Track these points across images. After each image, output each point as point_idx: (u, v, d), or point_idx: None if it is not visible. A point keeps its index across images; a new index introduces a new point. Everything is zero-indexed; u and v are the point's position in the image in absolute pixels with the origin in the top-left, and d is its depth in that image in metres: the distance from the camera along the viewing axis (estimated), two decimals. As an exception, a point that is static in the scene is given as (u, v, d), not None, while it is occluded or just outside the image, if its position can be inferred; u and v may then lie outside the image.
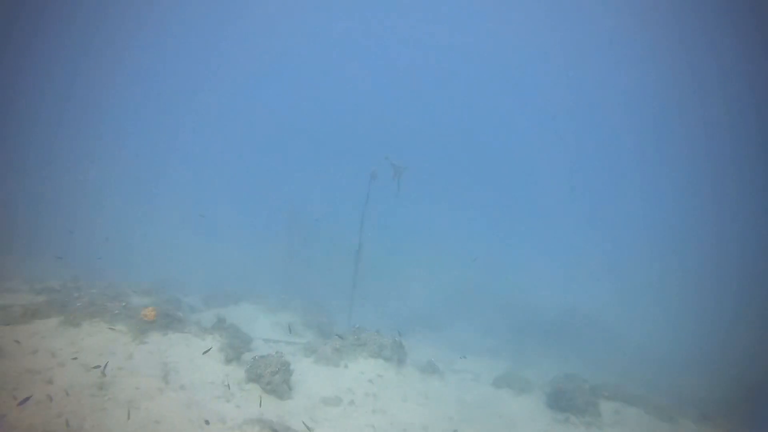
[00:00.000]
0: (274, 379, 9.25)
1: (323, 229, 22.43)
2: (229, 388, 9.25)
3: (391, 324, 17.05)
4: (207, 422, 7.71)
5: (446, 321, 20.80)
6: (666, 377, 16.31)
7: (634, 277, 33.66)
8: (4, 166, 31.42)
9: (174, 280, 19.68)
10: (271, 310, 16.19)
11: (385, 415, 9.52)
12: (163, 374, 9.04)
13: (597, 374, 15.77)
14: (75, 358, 8.76)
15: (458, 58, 59.72)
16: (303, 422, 8.47)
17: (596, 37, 48.56)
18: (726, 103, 38.15)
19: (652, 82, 46.66)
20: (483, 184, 55.81)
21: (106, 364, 8.14)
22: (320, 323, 14.95)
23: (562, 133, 61.33)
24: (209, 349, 9.55)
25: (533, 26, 52.52)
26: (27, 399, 6.73)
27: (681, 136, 47.14)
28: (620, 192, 55.86)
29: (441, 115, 60.92)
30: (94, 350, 9.19)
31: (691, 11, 34.51)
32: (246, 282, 20.27)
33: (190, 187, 41.69)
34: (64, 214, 27.88)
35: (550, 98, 59.65)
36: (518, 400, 12.02)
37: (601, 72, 52.39)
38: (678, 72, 41.59)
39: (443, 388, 11.88)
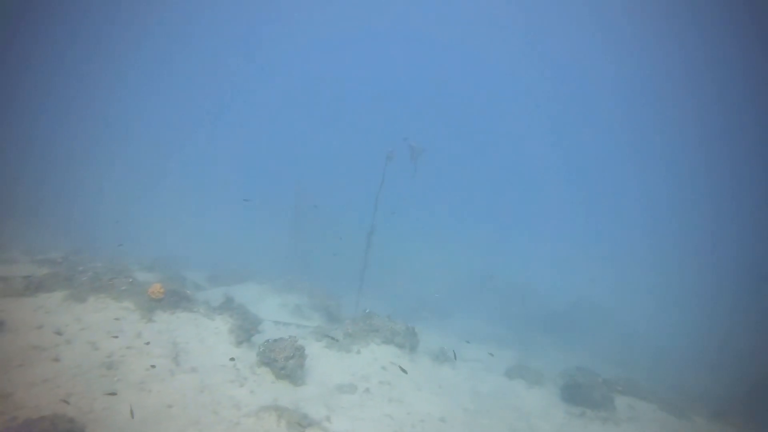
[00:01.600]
0: (288, 364, 8.91)
1: (332, 211, 21.94)
2: (240, 372, 8.91)
3: (399, 309, 16.78)
4: None
5: (453, 308, 20.59)
6: (676, 371, 16.22)
7: (641, 269, 33.65)
8: (10, 138, 30.80)
9: (175, 256, 19.23)
10: (277, 291, 15.81)
11: (401, 405, 9.24)
12: (173, 355, 8.67)
13: (605, 366, 15.71)
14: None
15: (464, 52, 59.06)
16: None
17: (599, 31, 48.08)
18: (721, 96, 37.92)
19: (652, 73, 46.42)
20: (491, 176, 55.55)
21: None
22: (328, 306, 14.60)
23: (566, 127, 60.96)
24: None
25: (535, 22, 51.89)
26: None
27: (684, 128, 46.86)
28: (632, 185, 55.70)
29: (449, 108, 60.12)
30: (102, 327, 8.80)
31: (690, 8, 34.11)
32: (250, 260, 19.88)
33: (197, 164, 41.02)
34: (66, 185, 27.33)
35: (552, 91, 59.16)
36: (532, 392, 11.79)
37: (604, 64, 51.97)
38: (678, 62, 41.29)
39: (456, 378, 11.62)
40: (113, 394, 7.02)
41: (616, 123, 56.00)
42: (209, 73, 58.47)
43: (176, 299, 10.45)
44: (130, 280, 10.82)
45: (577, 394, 11.32)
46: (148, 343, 8.61)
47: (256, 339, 10.35)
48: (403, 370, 9.66)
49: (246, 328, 10.29)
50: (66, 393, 6.83)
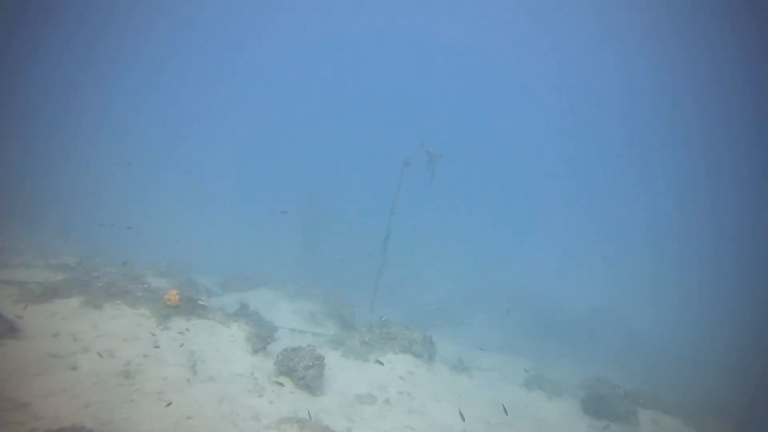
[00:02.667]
0: (307, 374, 8.72)
1: (345, 217, 21.79)
2: (258, 381, 8.73)
3: (412, 316, 16.58)
4: None
5: (465, 316, 20.33)
6: (694, 381, 15.86)
7: (647, 272, 33.33)
8: (12, 139, 30.84)
9: (186, 262, 19.12)
10: (290, 297, 15.65)
11: (422, 417, 9.01)
12: (190, 364, 8.50)
13: (622, 376, 15.40)
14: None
15: (465, 54, 59.16)
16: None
17: (598, 33, 48.04)
18: (723, 95, 37.60)
19: (651, 74, 46.25)
20: (497, 180, 55.33)
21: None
22: (342, 313, 14.40)
23: (568, 129, 60.71)
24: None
25: (534, 21, 51.95)
26: None
27: (685, 129, 46.47)
28: (635, 187, 55.33)
29: (460, 112, 60.04)
30: (118, 335, 8.64)
31: (689, 7, 33.90)
32: (261, 266, 19.73)
33: (205, 170, 41.03)
34: (73, 188, 27.35)
35: (552, 94, 59.06)
36: (552, 403, 11.52)
37: (602, 66, 51.89)
38: (678, 61, 41.04)
39: (474, 388, 11.38)
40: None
41: (618, 124, 55.81)
42: (219, 75, 58.64)
43: (192, 306, 10.29)
44: (146, 286, 10.70)
45: (600, 406, 11.05)
46: (182, 345, 8.63)
47: (272, 347, 10.18)
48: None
49: (262, 336, 10.12)
50: (84, 403, 6.67)
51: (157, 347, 8.45)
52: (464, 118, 59.63)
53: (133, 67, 51.40)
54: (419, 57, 60.75)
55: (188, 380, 8.05)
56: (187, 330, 9.45)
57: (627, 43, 45.83)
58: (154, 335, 8.86)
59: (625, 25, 43.82)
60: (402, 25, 57.09)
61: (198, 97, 58.00)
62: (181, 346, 8.61)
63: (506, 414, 8.80)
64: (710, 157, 44.67)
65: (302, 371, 8.71)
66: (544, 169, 61.55)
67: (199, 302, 10.31)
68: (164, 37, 52.53)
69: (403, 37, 58.61)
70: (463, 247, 28.44)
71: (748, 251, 34.19)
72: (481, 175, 55.15)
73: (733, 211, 41.98)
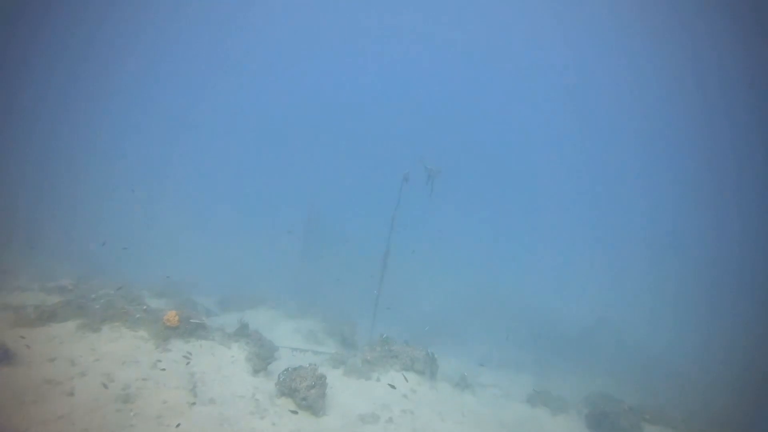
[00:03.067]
0: (309, 394, 8.58)
1: (344, 233, 21.72)
2: (260, 403, 8.57)
3: (413, 333, 16.40)
4: None
5: (465, 330, 20.14)
6: (696, 395, 15.70)
7: (648, 285, 33.31)
8: (6, 159, 30.61)
9: (183, 281, 18.88)
10: (290, 316, 15.49)
11: (427, 436, 8.87)
12: (190, 386, 8.35)
13: (625, 390, 15.23)
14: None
15: (465, 57, 59.51)
16: None
17: (601, 37, 48.44)
18: (726, 102, 37.85)
19: (654, 82, 46.52)
20: (499, 191, 55.25)
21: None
22: (343, 331, 14.23)
23: (574, 138, 60.81)
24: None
25: (539, 25, 52.35)
26: None
27: (687, 134, 46.63)
28: (637, 195, 55.34)
29: (452, 119, 60.21)
30: (117, 358, 8.51)
31: (693, 10, 34.32)
32: (260, 285, 19.54)
33: (201, 187, 40.86)
34: (66, 210, 27.10)
35: (553, 99, 59.42)
36: (556, 420, 11.37)
37: (604, 72, 52.28)
38: (680, 70, 41.35)
39: (477, 406, 11.21)
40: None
41: (619, 133, 56.09)
42: (214, 89, 58.65)
43: (192, 327, 10.15)
44: (144, 307, 10.56)
45: (604, 422, 10.91)
46: (188, 363, 8.64)
47: (273, 367, 10.03)
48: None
49: (263, 356, 9.99)
50: (82, 429, 6.52)
51: (164, 369, 8.33)
52: (463, 127, 59.82)
53: (131, 75, 51.35)
54: (418, 59, 61.01)
55: (191, 403, 7.91)
56: (190, 354, 9.29)
57: (631, 47, 45.92)
58: (160, 361, 8.72)
59: (630, 26, 43.87)
60: (402, 28, 57.30)
61: (192, 112, 57.90)
62: (188, 364, 8.49)
63: None
64: (712, 166, 44.88)
65: (304, 391, 8.58)
66: (545, 181, 61.39)
67: (192, 320, 10.13)
68: (161, 46, 52.65)
69: (403, 42, 58.95)
70: (463, 262, 28.39)
71: (747, 261, 34.27)
72: (481, 186, 54.98)
73: (733, 222, 42.10)
